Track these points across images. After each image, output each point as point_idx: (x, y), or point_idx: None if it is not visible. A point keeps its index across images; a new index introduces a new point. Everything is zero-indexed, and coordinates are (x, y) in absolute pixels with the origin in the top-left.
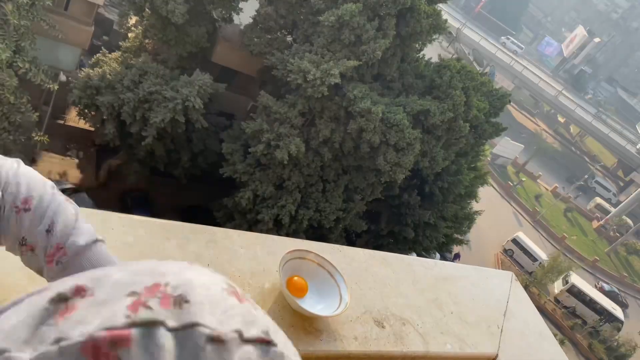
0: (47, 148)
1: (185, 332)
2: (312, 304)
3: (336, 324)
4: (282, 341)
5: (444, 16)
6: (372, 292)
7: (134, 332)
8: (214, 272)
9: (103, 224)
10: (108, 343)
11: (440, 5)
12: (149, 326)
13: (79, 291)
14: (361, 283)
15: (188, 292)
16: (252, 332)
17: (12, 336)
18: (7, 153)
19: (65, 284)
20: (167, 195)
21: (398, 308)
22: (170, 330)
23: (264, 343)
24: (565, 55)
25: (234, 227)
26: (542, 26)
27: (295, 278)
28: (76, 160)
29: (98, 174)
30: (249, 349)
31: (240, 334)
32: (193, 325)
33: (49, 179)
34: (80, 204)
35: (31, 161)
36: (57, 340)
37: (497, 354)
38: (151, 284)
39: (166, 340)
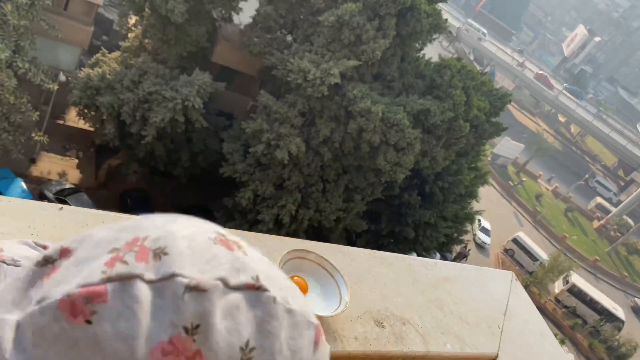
0: (47, 148)
1: (163, 283)
2: (311, 304)
3: (336, 324)
4: (279, 286)
5: (444, 15)
6: (372, 292)
7: (109, 287)
8: (204, 223)
9: (103, 223)
10: (83, 299)
11: (440, 5)
12: (125, 280)
13: (64, 253)
14: (361, 283)
15: (168, 244)
16: (239, 279)
17: (2, 300)
18: (7, 153)
19: (52, 248)
20: (167, 195)
21: (398, 308)
22: (147, 282)
23: (253, 289)
24: (565, 54)
25: (234, 227)
26: (542, 25)
27: (295, 278)
28: (76, 160)
29: (98, 174)
30: (236, 296)
31: (224, 281)
32: (171, 276)
33: (49, 179)
34: (80, 204)
35: (31, 161)
36: (40, 300)
37: (497, 354)
38: (132, 239)
39: (142, 292)
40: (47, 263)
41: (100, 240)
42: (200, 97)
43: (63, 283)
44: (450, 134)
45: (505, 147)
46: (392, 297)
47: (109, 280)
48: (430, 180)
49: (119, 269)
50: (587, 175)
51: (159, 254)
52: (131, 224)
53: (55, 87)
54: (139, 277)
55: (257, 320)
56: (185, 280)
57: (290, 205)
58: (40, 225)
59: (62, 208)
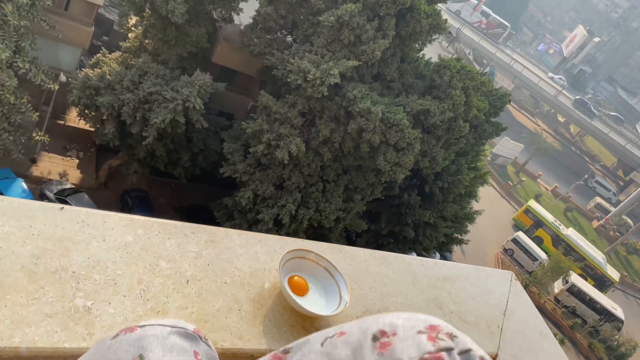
0: (47, 148)
1: (465, 355)
2: (312, 304)
3: (336, 324)
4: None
5: (444, 16)
6: (372, 291)
7: (443, 354)
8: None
9: (103, 223)
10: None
11: (440, 5)
12: (447, 351)
13: (384, 333)
14: (361, 283)
15: (452, 331)
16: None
17: None
18: (8, 153)
19: (372, 328)
20: (168, 195)
21: (398, 307)
22: (458, 353)
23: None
24: (565, 54)
25: (234, 227)
26: (541, 26)
27: (296, 278)
28: (76, 160)
29: (98, 174)
30: None
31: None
32: (468, 351)
33: (49, 179)
34: (80, 204)
35: (31, 161)
36: None
37: (497, 354)
38: (429, 325)
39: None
40: (376, 339)
41: (405, 325)
42: (200, 98)
43: (404, 352)
44: (449, 134)
45: (505, 147)
46: (391, 297)
47: (439, 350)
48: (429, 180)
49: (442, 344)
50: (586, 175)
51: (452, 336)
52: (415, 317)
53: (56, 88)
54: (453, 349)
55: None
56: (478, 353)
57: (290, 205)
58: (41, 225)
59: (63, 208)
